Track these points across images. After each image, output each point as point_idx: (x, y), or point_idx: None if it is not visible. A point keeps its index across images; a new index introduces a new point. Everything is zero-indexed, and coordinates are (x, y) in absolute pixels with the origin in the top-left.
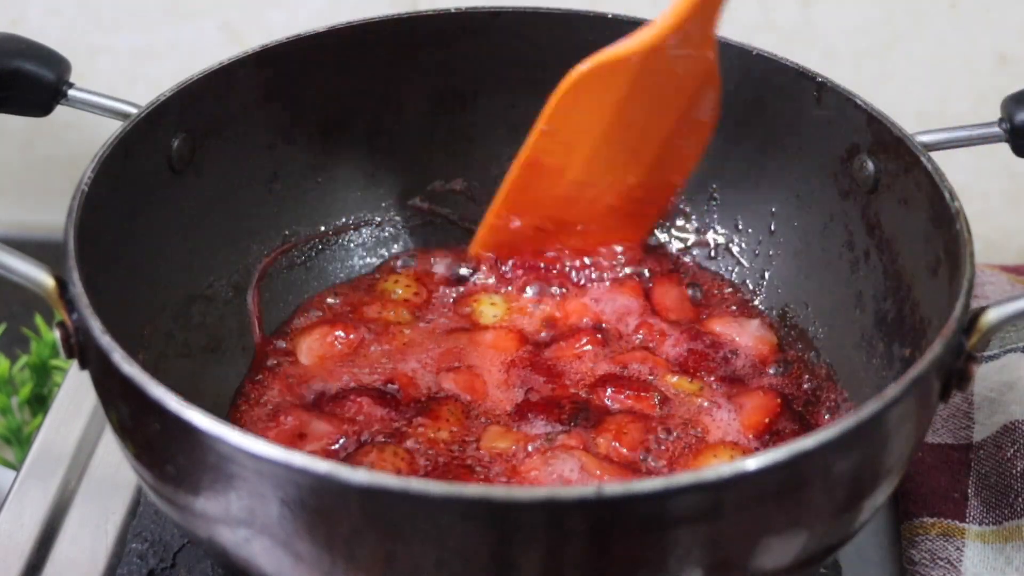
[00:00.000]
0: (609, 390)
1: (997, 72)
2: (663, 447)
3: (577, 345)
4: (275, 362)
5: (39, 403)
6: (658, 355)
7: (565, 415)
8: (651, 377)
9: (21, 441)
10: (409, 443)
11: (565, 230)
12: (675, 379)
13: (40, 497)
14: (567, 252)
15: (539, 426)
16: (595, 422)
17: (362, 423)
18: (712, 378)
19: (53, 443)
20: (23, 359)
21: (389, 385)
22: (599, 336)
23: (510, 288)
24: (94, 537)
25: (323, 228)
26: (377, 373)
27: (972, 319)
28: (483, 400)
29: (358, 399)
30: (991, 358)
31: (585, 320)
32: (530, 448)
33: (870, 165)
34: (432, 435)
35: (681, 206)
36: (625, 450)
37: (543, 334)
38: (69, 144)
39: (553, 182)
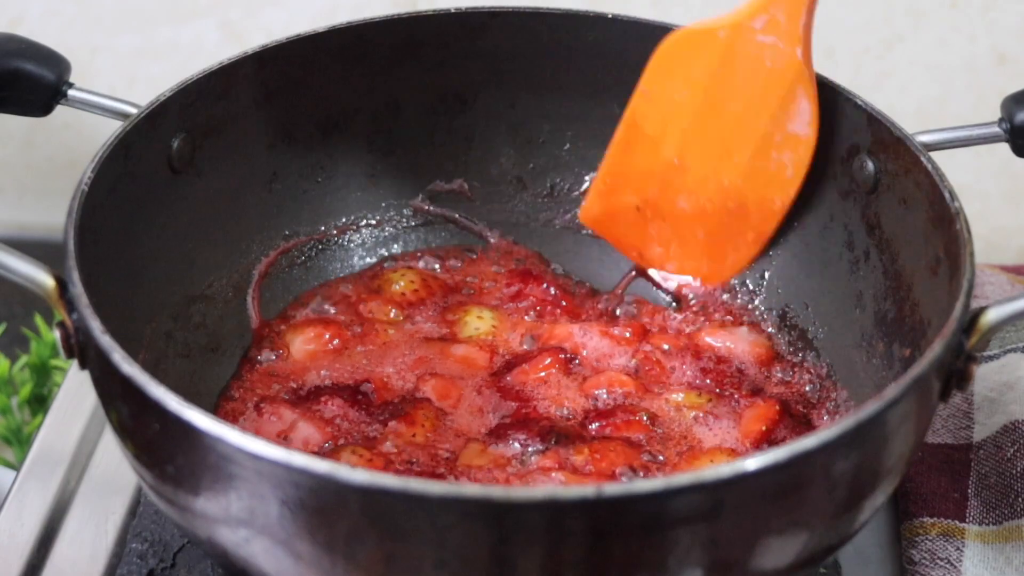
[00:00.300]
0: (595, 425)
1: (997, 72)
2: (655, 460)
3: (542, 370)
4: (264, 357)
5: (39, 403)
6: (630, 375)
7: (545, 435)
8: (634, 400)
9: (21, 441)
10: (386, 446)
11: (661, 222)
12: (680, 396)
13: (40, 497)
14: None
15: (517, 446)
16: (575, 441)
17: (339, 424)
18: (736, 392)
19: (53, 443)
20: (23, 359)
21: (365, 384)
22: (567, 361)
23: (510, 304)
24: (94, 537)
25: (323, 228)
26: (358, 373)
27: (972, 319)
28: (456, 408)
29: (332, 399)
30: (991, 358)
31: (567, 345)
32: (509, 471)
33: (870, 165)
34: (409, 438)
35: None
36: (614, 468)
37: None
38: (69, 144)
39: (650, 154)
